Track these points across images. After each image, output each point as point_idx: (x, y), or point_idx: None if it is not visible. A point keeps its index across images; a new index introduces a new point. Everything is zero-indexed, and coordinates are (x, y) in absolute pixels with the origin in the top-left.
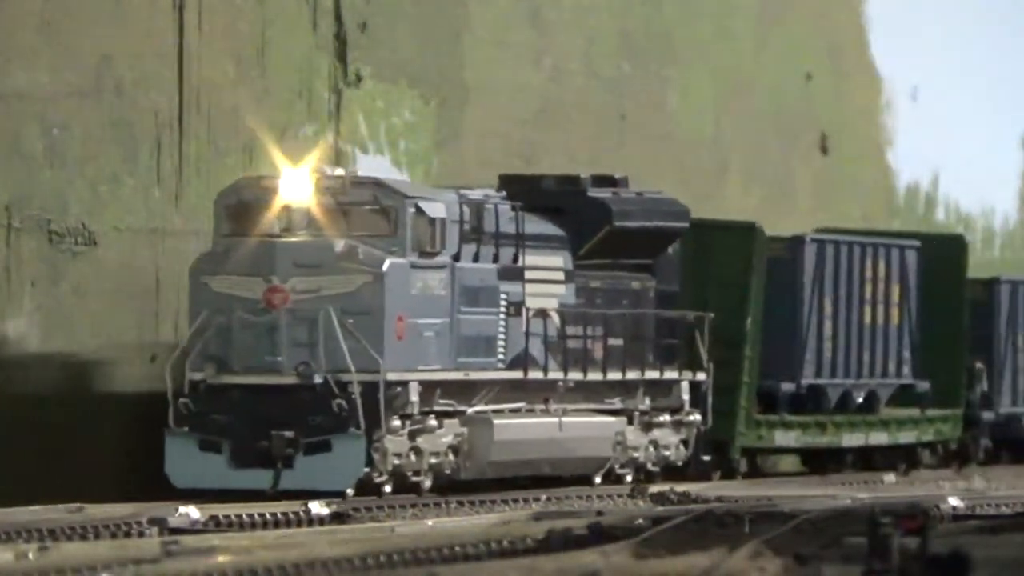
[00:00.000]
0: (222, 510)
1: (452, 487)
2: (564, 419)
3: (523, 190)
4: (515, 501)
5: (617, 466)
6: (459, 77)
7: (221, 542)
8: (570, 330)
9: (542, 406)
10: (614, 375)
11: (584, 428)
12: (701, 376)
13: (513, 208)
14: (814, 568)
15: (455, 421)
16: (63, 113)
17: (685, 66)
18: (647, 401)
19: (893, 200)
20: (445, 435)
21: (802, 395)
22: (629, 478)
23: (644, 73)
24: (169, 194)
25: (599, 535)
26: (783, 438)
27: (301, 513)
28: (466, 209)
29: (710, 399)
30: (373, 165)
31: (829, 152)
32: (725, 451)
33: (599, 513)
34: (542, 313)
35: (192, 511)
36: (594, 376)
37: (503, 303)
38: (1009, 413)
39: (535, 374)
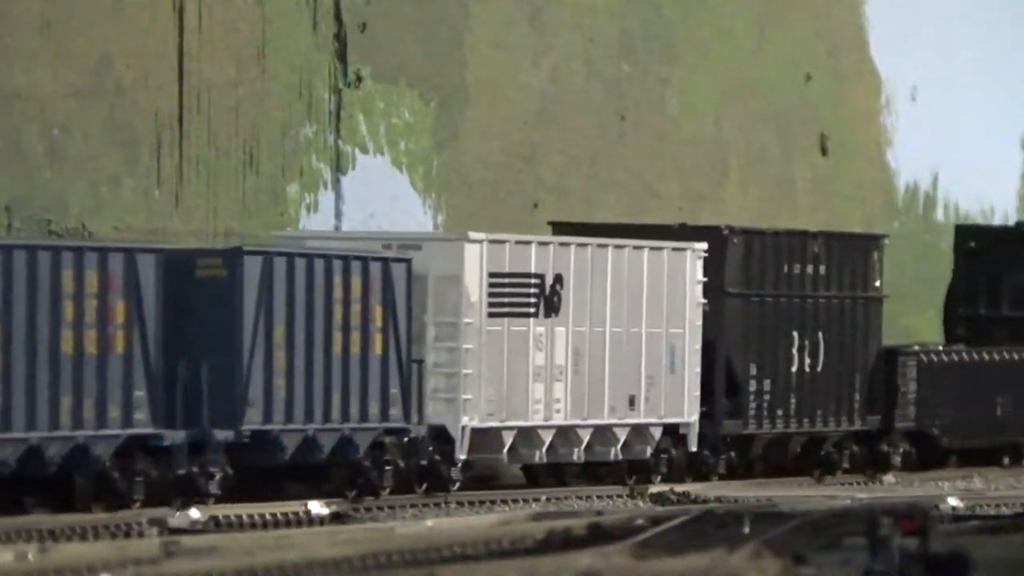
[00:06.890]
0: (222, 510)
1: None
2: None
3: None
4: (515, 501)
5: None
6: (459, 77)
7: (221, 542)
8: None
9: None
10: None
11: None
12: None
13: None
14: (814, 568)
15: None
16: (63, 113)
17: (685, 66)
18: None
19: (893, 200)
20: None
21: None
22: None
23: (644, 73)
24: (169, 195)
25: (599, 535)
26: None
27: (301, 513)
28: None
29: None
30: (373, 165)
31: (829, 152)
32: None
33: (599, 513)
34: None
35: (192, 511)
36: None
37: None
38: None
39: None
